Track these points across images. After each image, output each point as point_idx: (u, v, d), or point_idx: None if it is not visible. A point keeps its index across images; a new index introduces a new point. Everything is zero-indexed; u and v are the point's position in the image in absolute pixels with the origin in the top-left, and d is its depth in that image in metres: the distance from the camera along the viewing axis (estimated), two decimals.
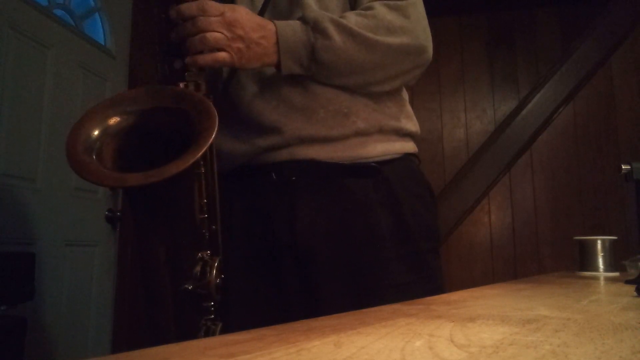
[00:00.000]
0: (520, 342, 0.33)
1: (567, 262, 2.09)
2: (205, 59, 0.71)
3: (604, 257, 1.09)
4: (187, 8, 0.71)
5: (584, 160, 2.30)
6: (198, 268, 0.65)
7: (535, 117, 2.35)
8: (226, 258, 0.70)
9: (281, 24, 0.77)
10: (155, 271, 0.65)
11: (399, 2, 0.82)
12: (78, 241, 1.94)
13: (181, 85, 0.71)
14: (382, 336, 0.34)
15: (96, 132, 0.63)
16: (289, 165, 0.81)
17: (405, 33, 0.80)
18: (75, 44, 1.96)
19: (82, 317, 1.96)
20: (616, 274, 1.07)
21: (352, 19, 0.78)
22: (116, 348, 2.10)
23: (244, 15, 0.74)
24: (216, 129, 0.61)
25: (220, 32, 0.72)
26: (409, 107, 0.92)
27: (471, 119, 3.13)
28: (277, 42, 0.76)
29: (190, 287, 0.64)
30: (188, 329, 0.66)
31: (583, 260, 1.11)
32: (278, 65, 0.77)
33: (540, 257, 2.28)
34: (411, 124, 0.90)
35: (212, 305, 0.67)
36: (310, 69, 0.78)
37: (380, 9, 0.80)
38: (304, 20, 0.78)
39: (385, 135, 0.85)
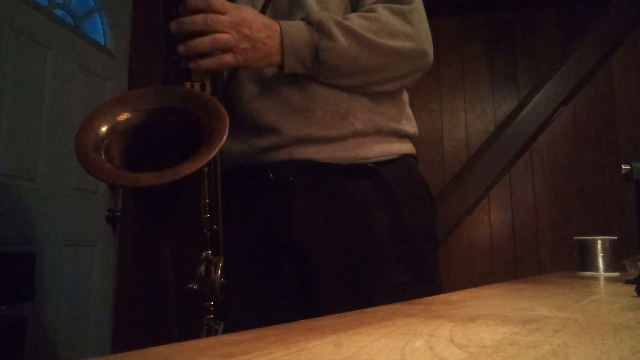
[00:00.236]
0: (520, 342, 0.33)
1: (567, 262, 2.09)
2: (210, 62, 0.71)
3: (604, 257, 1.09)
4: (192, 2, 0.70)
5: (584, 160, 2.30)
6: (202, 268, 0.65)
7: (535, 117, 2.35)
8: (225, 258, 0.70)
9: (286, 24, 0.77)
10: (161, 271, 0.65)
11: (401, 6, 0.82)
12: (78, 241, 1.94)
13: (187, 85, 0.70)
14: (382, 336, 0.34)
15: (104, 131, 0.62)
16: (286, 165, 0.81)
17: (408, 37, 0.80)
18: (75, 44, 1.96)
19: (82, 317, 1.96)
20: (616, 274, 1.07)
21: (356, 21, 0.78)
22: (116, 348, 2.10)
23: (250, 14, 0.74)
24: (227, 130, 0.61)
25: (228, 33, 0.71)
26: (408, 110, 0.92)
27: (471, 119, 3.13)
28: (282, 43, 0.76)
29: (195, 287, 0.64)
30: (192, 329, 0.66)
31: (583, 261, 1.11)
32: (281, 66, 0.77)
33: (540, 257, 2.28)
34: (410, 126, 0.90)
35: (213, 305, 0.67)
36: (313, 70, 0.78)
37: (383, 12, 0.80)
38: (308, 21, 0.78)
39: (383, 137, 0.85)
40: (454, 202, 2.36)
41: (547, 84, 2.37)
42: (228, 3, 0.72)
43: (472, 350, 0.30)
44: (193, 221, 0.68)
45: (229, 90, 0.84)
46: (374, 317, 0.44)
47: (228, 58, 0.72)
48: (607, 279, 0.99)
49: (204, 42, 0.70)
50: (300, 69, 0.78)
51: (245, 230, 0.85)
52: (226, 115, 0.63)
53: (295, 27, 0.77)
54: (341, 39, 0.77)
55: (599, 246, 1.10)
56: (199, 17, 0.70)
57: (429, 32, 0.84)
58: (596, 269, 1.09)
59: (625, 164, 0.97)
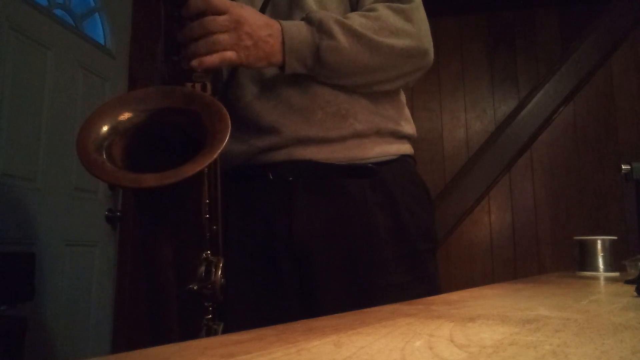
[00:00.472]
0: (520, 342, 0.33)
1: (567, 262, 2.09)
2: (212, 59, 0.70)
3: (604, 257, 1.09)
4: (193, 4, 0.70)
5: (584, 160, 2.30)
6: (202, 268, 0.65)
7: (535, 117, 2.35)
8: (225, 258, 0.71)
9: (286, 23, 0.77)
10: (161, 272, 0.65)
11: (402, 5, 0.82)
12: (78, 241, 1.94)
13: (189, 85, 0.70)
14: (382, 336, 0.34)
15: (105, 131, 0.62)
16: (286, 165, 0.81)
17: (409, 36, 0.80)
18: (75, 44, 1.96)
19: (82, 317, 1.96)
20: (616, 274, 1.07)
21: (357, 20, 0.78)
22: (116, 348, 2.10)
23: (251, 13, 0.74)
24: (229, 131, 0.61)
25: (227, 33, 0.71)
26: (407, 110, 0.93)
27: (471, 119, 3.13)
28: (283, 42, 0.76)
29: (195, 288, 0.64)
30: (192, 330, 0.66)
31: (583, 260, 1.11)
32: (282, 65, 0.77)
33: (540, 257, 2.28)
34: (409, 127, 0.90)
35: (212, 305, 0.67)
36: (314, 70, 0.78)
37: (383, 11, 0.80)
38: (308, 20, 0.78)
39: (383, 138, 0.85)
40: (454, 202, 2.36)
41: (547, 84, 2.37)
42: (228, 2, 0.72)
43: (472, 350, 0.30)
44: (193, 221, 0.68)
45: (229, 90, 0.84)
46: (374, 317, 0.44)
47: (230, 54, 0.72)
48: (607, 279, 0.99)
49: (200, 45, 0.70)
50: (301, 69, 0.78)
51: (245, 230, 0.85)
52: (228, 117, 0.63)
53: (296, 27, 0.77)
54: (342, 38, 0.76)
55: (599, 246, 1.10)
56: (195, 24, 0.70)
57: (429, 30, 0.84)
58: (596, 269, 1.09)
59: (625, 164, 0.97)
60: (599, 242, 1.10)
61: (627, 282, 0.82)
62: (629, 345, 0.32)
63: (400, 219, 0.83)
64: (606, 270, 1.08)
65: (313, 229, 0.80)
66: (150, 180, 0.57)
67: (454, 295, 0.65)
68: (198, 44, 0.70)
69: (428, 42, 0.83)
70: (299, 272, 0.81)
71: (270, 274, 0.82)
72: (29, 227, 1.71)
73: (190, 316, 0.66)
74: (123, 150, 0.63)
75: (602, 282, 0.94)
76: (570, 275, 1.12)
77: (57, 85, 1.84)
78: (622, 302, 0.58)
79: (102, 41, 2.16)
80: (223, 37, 0.71)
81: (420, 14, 0.84)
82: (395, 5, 0.82)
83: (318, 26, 0.77)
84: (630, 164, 0.96)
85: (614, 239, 1.10)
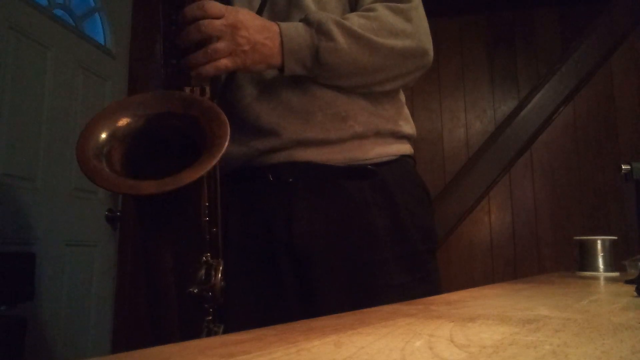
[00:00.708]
0: (520, 342, 0.33)
1: (567, 263, 2.09)
2: (207, 70, 0.71)
3: (604, 257, 1.09)
4: (189, 11, 0.70)
5: (584, 160, 2.30)
6: (202, 271, 0.65)
7: (535, 117, 2.35)
8: (224, 260, 0.71)
9: (285, 25, 0.77)
10: (161, 275, 0.65)
11: (401, 5, 0.82)
12: (78, 241, 1.94)
13: (187, 90, 0.70)
14: (382, 336, 0.34)
15: (105, 137, 0.62)
16: (286, 167, 0.81)
17: (408, 36, 0.80)
18: (75, 44, 1.96)
19: (82, 317, 1.96)
20: (616, 274, 1.07)
21: (355, 21, 0.78)
22: (116, 348, 2.10)
23: (247, 16, 0.74)
24: (229, 136, 0.61)
25: (223, 39, 0.71)
26: (406, 110, 0.92)
27: (471, 119, 3.13)
28: (281, 44, 0.75)
29: (195, 291, 0.64)
30: (192, 333, 0.66)
31: (583, 261, 1.11)
32: (281, 67, 0.77)
33: (540, 257, 2.28)
34: (408, 127, 0.90)
35: (212, 307, 0.67)
36: (314, 71, 0.78)
37: (382, 11, 0.80)
38: (307, 21, 0.77)
39: (382, 138, 0.85)
40: (454, 202, 2.36)
41: (547, 84, 2.37)
42: (224, 7, 0.72)
43: (472, 350, 0.30)
44: (193, 224, 0.68)
45: (228, 92, 0.84)
46: (374, 317, 0.44)
47: (226, 62, 0.72)
48: (607, 279, 0.99)
49: (199, 56, 0.70)
50: (300, 71, 0.78)
51: (245, 231, 0.85)
52: (227, 122, 0.63)
53: (295, 28, 0.77)
54: (341, 39, 0.76)
55: (599, 246, 1.10)
56: (192, 28, 0.70)
57: (428, 30, 0.84)
58: (596, 269, 1.09)
59: (625, 164, 0.97)
60: (599, 242, 1.10)
61: (627, 282, 0.81)
62: (629, 345, 0.32)
63: (400, 219, 0.82)
64: (606, 270, 1.08)
65: (313, 230, 0.80)
66: (149, 187, 0.57)
67: (454, 295, 0.65)
68: (196, 55, 0.70)
69: (427, 42, 0.83)
70: (299, 273, 0.81)
71: (270, 275, 0.82)
72: (29, 227, 1.71)
73: (191, 319, 0.66)
74: (122, 155, 0.63)
75: (602, 282, 0.94)
76: (570, 275, 1.12)
77: (56, 85, 1.84)
78: (622, 302, 0.58)
79: (102, 41, 2.16)
80: (220, 45, 0.71)
81: (420, 14, 0.84)
82: (394, 5, 0.82)
83: (317, 27, 0.76)
84: (630, 164, 0.96)
85: (614, 239, 1.10)
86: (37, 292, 1.61)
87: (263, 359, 0.27)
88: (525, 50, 3.11)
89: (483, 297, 0.64)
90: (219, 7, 0.71)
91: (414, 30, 0.81)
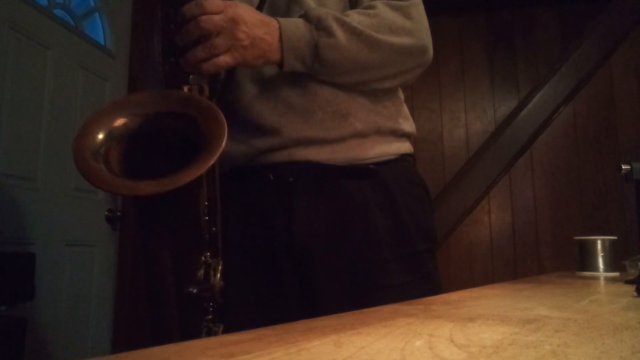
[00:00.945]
0: (520, 342, 0.33)
1: (567, 262, 2.09)
2: (207, 67, 0.70)
3: (604, 257, 1.09)
4: (187, 9, 0.70)
5: (584, 160, 2.30)
6: (201, 271, 0.65)
7: (535, 117, 2.35)
8: (224, 259, 0.70)
9: (284, 21, 0.76)
10: (161, 275, 0.65)
11: (400, 2, 0.82)
12: (78, 241, 1.94)
13: (185, 89, 0.70)
14: (382, 336, 0.34)
15: (102, 137, 0.62)
16: (286, 166, 0.81)
17: (408, 33, 0.80)
18: (75, 44, 1.96)
19: (82, 317, 1.96)
20: (616, 274, 1.07)
21: (355, 18, 0.78)
22: (116, 348, 2.10)
23: (246, 11, 0.73)
24: (226, 136, 0.61)
25: (222, 35, 0.71)
26: (405, 108, 0.92)
27: (471, 119, 3.12)
28: (281, 39, 0.75)
29: (194, 291, 0.64)
30: (192, 333, 0.66)
31: (583, 261, 1.11)
32: (280, 63, 0.77)
33: (540, 257, 2.28)
34: (408, 125, 0.90)
35: (211, 306, 0.67)
36: (313, 67, 0.78)
37: (382, 8, 0.80)
38: (307, 17, 0.77)
39: (383, 137, 0.85)
40: (454, 202, 2.36)
41: (547, 84, 2.37)
42: (223, 2, 0.71)
43: (472, 350, 0.30)
44: (192, 224, 0.68)
45: (228, 90, 0.84)
46: (374, 317, 0.44)
47: (225, 58, 0.71)
48: (607, 279, 0.99)
49: (198, 52, 0.70)
50: (299, 67, 0.78)
51: (245, 231, 0.85)
52: (224, 121, 0.63)
53: (294, 24, 0.76)
54: (341, 35, 0.76)
55: (599, 246, 1.10)
56: (191, 24, 0.69)
57: (428, 27, 0.84)
58: (596, 269, 1.09)
59: (625, 164, 0.97)
60: (599, 242, 1.10)
61: (627, 282, 0.81)
62: (629, 345, 0.32)
63: (400, 219, 0.82)
64: (606, 270, 1.08)
65: (313, 229, 0.80)
66: (147, 188, 0.57)
67: (454, 295, 0.65)
68: (195, 51, 0.70)
69: (427, 39, 0.83)
70: (298, 273, 0.81)
71: (270, 274, 0.82)
72: (29, 227, 1.71)
73: (191, 319, 0.66)
74: (120, 155, 0.63)
75: (602, 282, 0.94)
76: (570, 275, 1.12)
77: (57, 85, 1.84)
78: (622, 302, 0.58)
79: (102, 41, 2.16)
80: (219, 40, 0.70)
81: (419, 11, 0.83)
82: (394, 2, 0.82)
83: (317, 23, 0.76)
84: (630, 164, 0.96)
85: (614, 239, 1.10)
86: (37, 292, 1.61)
87: (263, 359, 0.27)
88: (525, 50, 3.11)
89: (483, 297, 0.64)
90: (218, 3, 0.71)
91: (413, 28, 0.81)
